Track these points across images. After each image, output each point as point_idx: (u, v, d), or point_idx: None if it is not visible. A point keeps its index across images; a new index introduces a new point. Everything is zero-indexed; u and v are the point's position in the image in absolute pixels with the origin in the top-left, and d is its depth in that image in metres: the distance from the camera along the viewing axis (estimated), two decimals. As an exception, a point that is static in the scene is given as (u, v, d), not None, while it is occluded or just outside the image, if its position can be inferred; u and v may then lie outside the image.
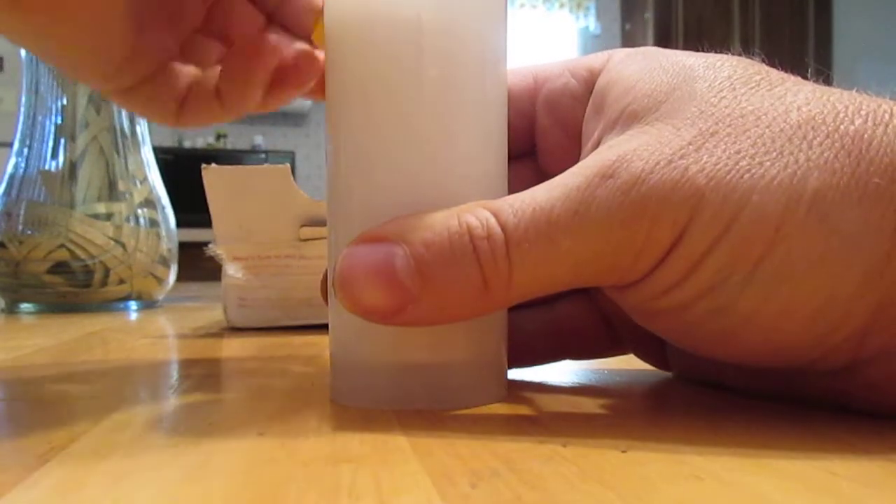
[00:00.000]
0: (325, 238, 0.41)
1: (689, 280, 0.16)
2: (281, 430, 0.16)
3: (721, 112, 0.16)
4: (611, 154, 0.16)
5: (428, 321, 0.16)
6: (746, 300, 0.15)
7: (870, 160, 0.15)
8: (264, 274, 0.38)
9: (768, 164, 0.15)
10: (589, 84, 0.20)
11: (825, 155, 0.15)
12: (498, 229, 0.16)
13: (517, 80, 0.22)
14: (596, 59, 0.21)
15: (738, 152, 0.15)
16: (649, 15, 3.10)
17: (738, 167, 0.15)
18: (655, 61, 0.18)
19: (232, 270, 0.38)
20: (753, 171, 0.15)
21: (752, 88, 0.16)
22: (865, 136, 0.15)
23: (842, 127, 0.15)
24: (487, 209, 0.16)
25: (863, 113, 0.15)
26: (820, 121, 0.15)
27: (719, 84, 0.17)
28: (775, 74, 0.17)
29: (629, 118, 0.17)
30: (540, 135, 0.22)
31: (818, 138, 0.15)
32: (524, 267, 0.16)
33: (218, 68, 0.26)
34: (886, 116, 0.15)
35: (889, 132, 0.15)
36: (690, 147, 0.15)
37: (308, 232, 0.38)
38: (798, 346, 0.16)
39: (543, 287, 0.16)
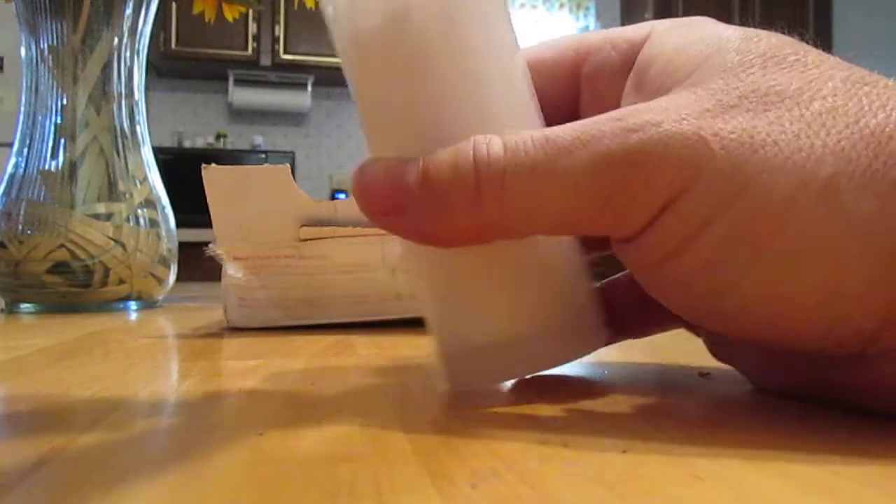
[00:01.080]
0: (325, 238, 0.41)
1: (688, 250, 0.15)
2: (281, 430, 0.16)
3: (746, 87, 0.16)
4: (622, 111, 0.16)
5: (425, 225, 0.17)
6: (750, 282, 0.15)
7: (889, 154, 0.14)
8: (264, 274, 0.38)
9: (783, 144, 0.14)
10: (629, 58, 0.20)
11: (842, 143, 0.14)
12: (499, 143, 0.16)
13: (557, 54, 0.21)
14: (637, 31, 0.20)
15: (754, 127, 0.15)
16: (649, 15, 3.10)
17: (752, 141, 0.15)
18: (695, 33, 0.18)
19: (232, 270, 0.38)
20: (767, 148, 0.14)
21: (783, 68, 0.16)
22: (887, 130, 0.14)
23: (863, 120, 0.15)
24: (496, 134, 0.16)
25: (888, 108, 0.15)
26: (842, 112, 0.15)
27: (751, 59, 0.16)
28: (814, 56, 0.16)
29: (658, 89, 0.17)
30: (583, 110, 0.21)
31: (837, 127, 0.15)
32: (518, 182, 0.16)
33: None
34: None
35: None
36: (708, 113, 0.15)
37: (308, 232, 0.38)
38: (802, 333, 0.15)
39: (537, 214, 0.16)
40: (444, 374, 0.20)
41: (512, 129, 0.17)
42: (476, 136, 0.16)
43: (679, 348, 0.29)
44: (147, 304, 0.57)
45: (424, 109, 0.18)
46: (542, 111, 0.19)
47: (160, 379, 0.24)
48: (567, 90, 0.21)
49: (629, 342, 0.24)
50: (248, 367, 0.25)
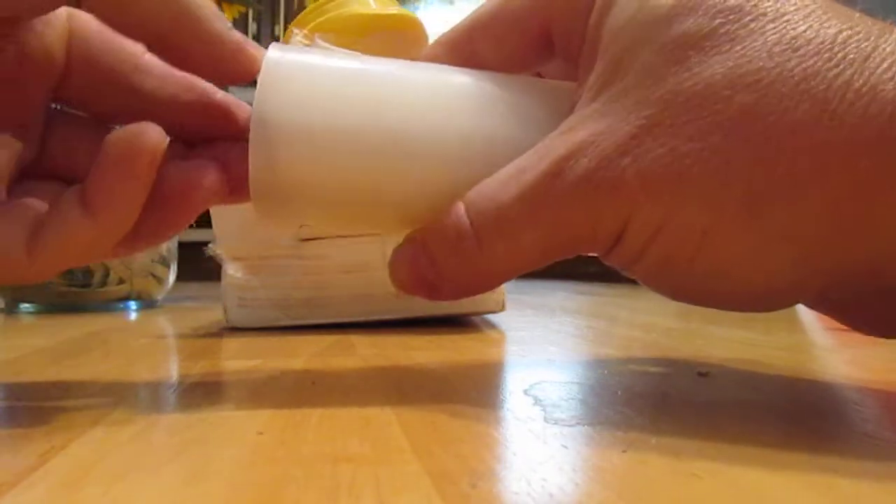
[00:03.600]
0: (324, 238, 0.41)
1: (640, 262, 0.17)
2: (281, 430, 0.16)
3: (669, 92, 0.15)
4: (563, 147, 0.17)
5: (458, 294, 0.19)
6: (694, 285, 0.17)
7: (801, 150, 0.14)
8: (264, 274, 0.38)
9: (700, 165, 0.15)
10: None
11: (760, 149, 0.15)
12: (464, 219, 0.18)
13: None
14: None
15: (673, 150, 0.15)
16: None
17: (670, 169, 0.15)
18: (640, 9, 0.17)
19: (232, 270, 0.38)
20: (683, 172, 0.15)
21: (708, 52, 0.15)
22: (807, 123, 0.14)
23: (785, 117, 0.14)
24: (464, 203, 0.18)
25: (817, 95, 0.14)
26: (765, 110, 0.15)
27: (671, 50, 0.16)
28: (750, 13, 0.15)
29: (602, 85, 0.17)
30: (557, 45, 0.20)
31: (757, 128, 0.15)
32: (497, 256, 0.18)
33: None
34: (836, 100, 0.14)
35: (836, 117, 0.14)
36: (633, 142, 0.16)
37: (308, 232, 0.38)
38: (763, 307, 0.18)
39: (525, 265, 0.18)
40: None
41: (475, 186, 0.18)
42: (452, 219, 0.18)
43: (679, 348, 0.29)
44: (147, 304, 0.57)
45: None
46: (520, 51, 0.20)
47: (160, 379, 0.24)
48: (541, 34, 0.20)
49: (629, 343, 0.24)
50: (248, 367, 0.25)
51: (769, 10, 0.16)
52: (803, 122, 0.14)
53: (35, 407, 0.19)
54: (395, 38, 0.35)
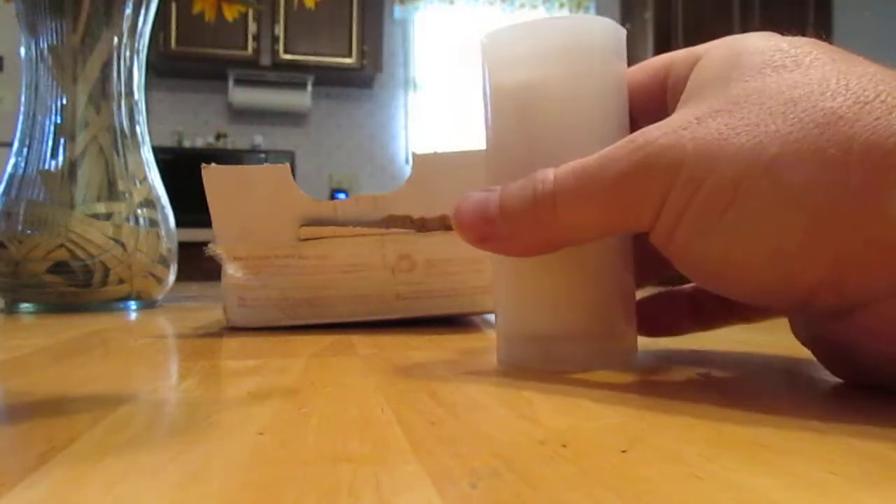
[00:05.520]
0: (324, 238, 0.41)
1: (679, 228, 0.19)
2: (281, 430, 0.16)
3: (736, 93, 0.19)
4: (640, 132, 0.20)
5: (508, 246, 0.22)
6: (715, 249, 0.19)
7: (832, 133, 0.17)
8: (264, 274, 0.38)
9: (744, 136, 0.18)
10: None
11: (793, 127, 0.17)
12: (550, 178, 0.21)
13: (653, 70, 0.24)
14: (709, 47, 0.23)
15: (727, 125, 0.18)
16: (649, 15, 3.10)
17: (721, 136, 0.18)
18: (722, 53, 0.21)
19: (232, 270, 0.38)
20: (732, 139, 0.18)
21: (777, 69, 0.19)
22: (839, 111, 0.17)
23: (819, 104, 0.17)
24: (554, 170, 0.21)
25: (849, 93, 0.17)
26: (805, 99, 0.17)
27: (745, 71, 0.19)
28: (822, 56, 0.19)
29: (681, 103, 0.21)
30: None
31: (794, 113, 0.17)
32: (566, 207, 0.20)
33: None
34: (871, 96, 0.17)
35: (866, 110, 0.16)
36: (694, 121, 0.19)
37: (308, 232, 0.38)
38: (769, 287, 0.19)
39: (586, 227, 0.21)
40: (499, 352, 0.26)
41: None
42: (536, 172, 0.21)
43: (679, 348, 0.29)
44: (147, 303, 0.57)
45: (528, 146, 0.24)
46: (647, 120, 0.22)
47: (160, 379, 0.24)
48: (660, 101, 0.25)
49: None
50: (248, 366, 0.25)
51: (824, 60, 0.19)
52: (836, 110, 0.17)
53: (35, 407, 0.19)
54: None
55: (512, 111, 0.24)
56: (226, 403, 0.19)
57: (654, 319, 0.27)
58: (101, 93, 0.55)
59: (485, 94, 0.25)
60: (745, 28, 3.26)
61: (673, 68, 0.24)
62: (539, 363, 0.24)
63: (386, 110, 3.30)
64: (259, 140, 3.16)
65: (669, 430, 0.16)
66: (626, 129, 0.24)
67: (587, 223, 0.21)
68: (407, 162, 3.23)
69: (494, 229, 0.22)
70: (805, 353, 0.22)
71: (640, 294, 0.26)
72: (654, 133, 0.19)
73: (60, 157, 0.54)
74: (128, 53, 0.57)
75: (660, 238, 0.20)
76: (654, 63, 0.25)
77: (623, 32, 0.25)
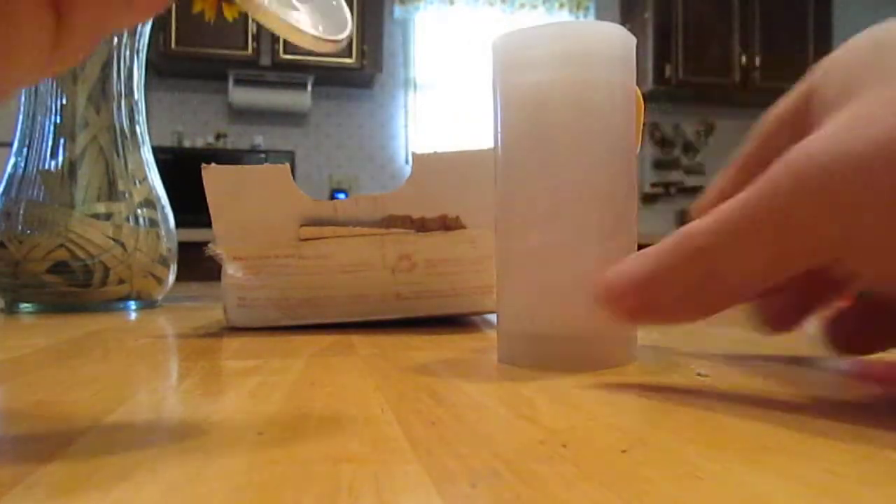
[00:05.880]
0: (324, 238, 0.41)
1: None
2: (281, 430, 0.16)
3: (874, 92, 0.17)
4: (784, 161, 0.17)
5: (667, 319, 0.20)
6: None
7: None
8: (264, 274, 0.38)
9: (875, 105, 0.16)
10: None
11: None
12: (698, 237, 0.18)
13: (799, 95, 0.22)
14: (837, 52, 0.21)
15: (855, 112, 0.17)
16: (649, 15, 3.10)
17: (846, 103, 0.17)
18: (859, 40, 0.20)
19: (232, 270, 0.38)
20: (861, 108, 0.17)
21: None
22: None
23: None
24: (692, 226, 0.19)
25: None
26: None
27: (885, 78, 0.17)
28: None
29: (822, 108, 0.19)
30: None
31: None
32: (725, 257, 0.18)
33: None
34: None
35: None
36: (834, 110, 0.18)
37: (308, 232, 0.38)
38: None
39: (757, 278, 0.18)
40: (499, 352, 0.26)
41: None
42: (682, 230, 0.19)
43: (679, 348, 0.29)
44: (147, 303, 0.57)
45: (538, 147, 0.25)
46: None
47: (160, 379, 0.24)
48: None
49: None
50: (248, 367, 0.25)
51: None
52: None
53: (35, 407, 0.19)
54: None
55: (522, 113, 0.25)
56: (226, 403, 0.19)
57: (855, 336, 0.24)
58: (101, 93, 0.55)
59: (495, 94, 0.26)
60: (745, 28, 3.27)
61: (814, 82, 0.21)
62: (539, 363, 0.24)
63: (386, 110, 3.30)
64: (259, 140, 3.16)
65: (669, 430, 0.16)
66: (631, 135, 0.25)
67: (761, 274, 0.18)
68: (407, 162, 3.23)
69: (661, 301, 0.19)
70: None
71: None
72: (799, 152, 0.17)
73: (60, 157, 0.54)
74: (127, 53, 0.57)
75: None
76: (793, 92, 0.23)
77: (633, 41, 0.26)
